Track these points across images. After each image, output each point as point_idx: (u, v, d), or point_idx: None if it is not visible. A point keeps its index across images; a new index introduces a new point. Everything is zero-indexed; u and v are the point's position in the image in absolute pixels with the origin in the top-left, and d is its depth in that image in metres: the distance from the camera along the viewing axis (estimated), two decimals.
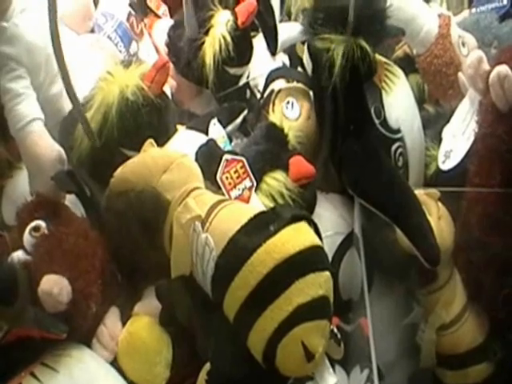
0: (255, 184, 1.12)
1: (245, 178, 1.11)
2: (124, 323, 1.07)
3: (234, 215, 0.98)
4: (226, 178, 1.09)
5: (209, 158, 1.11)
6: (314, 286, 0.91)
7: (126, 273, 1.11)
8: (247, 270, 0.91)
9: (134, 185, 1.04)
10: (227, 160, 1.09)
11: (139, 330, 1.06)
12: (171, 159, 1.06)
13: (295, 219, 0.95)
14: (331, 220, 1.23)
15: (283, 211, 0.97)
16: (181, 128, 1.26)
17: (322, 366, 0.97)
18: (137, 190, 1.03)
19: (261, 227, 0.94)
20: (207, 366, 0.98)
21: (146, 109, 1.16)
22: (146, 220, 1.02)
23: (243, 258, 0.91)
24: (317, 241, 0.95)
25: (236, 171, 1.10)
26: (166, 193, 1.03)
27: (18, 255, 1.03)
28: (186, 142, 1.21)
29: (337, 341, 1.06)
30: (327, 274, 0.94)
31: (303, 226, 0.95)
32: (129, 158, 1.11)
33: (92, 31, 1.45)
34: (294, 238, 0.93)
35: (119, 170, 1.08)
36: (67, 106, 1.21)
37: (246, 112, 1.34)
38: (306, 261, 0.92)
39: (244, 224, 0.94)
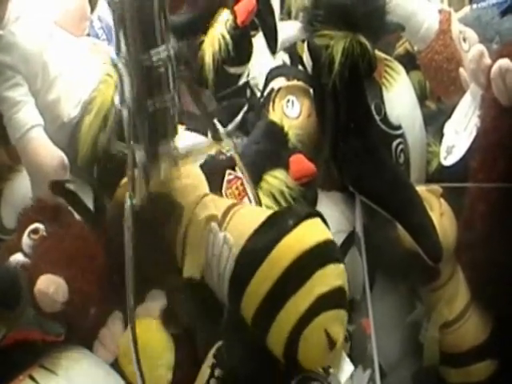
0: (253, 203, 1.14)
1: (244, 196, 1.12)
2: (126, 326, 1.06)
3: (252, 214, 1.02)
4: (230, 193, 1.11)
5: (211, 175, 1.12)
6: (333, 276, 0.95)
7: None
8: (268, 264, 0.93)
9: None
10: (228, 181, 1.12)
11: (142, 332, 1.04)
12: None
13: (310, 216, 0.98)
14: (333, 218, 1.21)
15: (298, 208, 1.02)
16: (180, 129, 1.25)
17: (340, 357, 1.01)
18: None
19: (279, 223, 0.97)
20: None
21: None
22: (159, 226, 1.04)
23: (264, 253, 0.94)
24: (331, 236, 0.99)
25: (237, 188, 1.12)
26: (180, 198, 1.04)
27: (17, 258, 1.01)
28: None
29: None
30: (342, 266, 0.97)
31: (318, 221, 0.99)
32: None
33: (88, 33, 1.44)
34: (311, 232, 0.96)
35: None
36: (66, 111, 1.21)
37: (245, 108, 1.33)
38: (325, 252, 0.96)
39: (263, 221, 0.97)
